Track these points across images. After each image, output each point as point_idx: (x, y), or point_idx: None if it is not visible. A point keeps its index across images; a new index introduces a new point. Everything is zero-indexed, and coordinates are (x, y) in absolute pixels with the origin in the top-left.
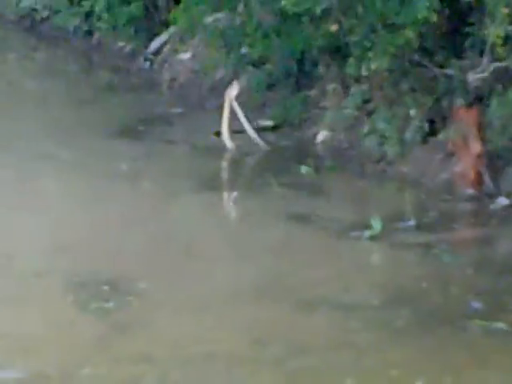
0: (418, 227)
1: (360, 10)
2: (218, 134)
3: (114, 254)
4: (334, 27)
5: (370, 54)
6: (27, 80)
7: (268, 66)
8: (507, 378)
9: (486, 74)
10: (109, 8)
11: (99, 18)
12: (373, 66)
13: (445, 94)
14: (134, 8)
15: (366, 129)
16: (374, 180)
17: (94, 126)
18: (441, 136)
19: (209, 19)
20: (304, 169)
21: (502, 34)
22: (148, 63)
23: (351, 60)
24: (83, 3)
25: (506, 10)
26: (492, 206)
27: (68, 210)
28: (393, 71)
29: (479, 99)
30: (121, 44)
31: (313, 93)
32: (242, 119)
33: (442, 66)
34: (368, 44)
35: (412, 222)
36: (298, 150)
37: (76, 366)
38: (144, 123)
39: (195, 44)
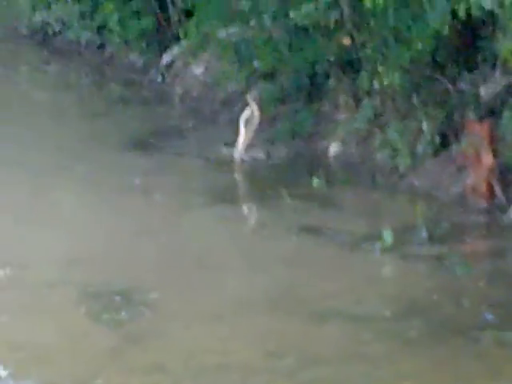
0: (430, 239)
1: (372, 23)
2: (228, 145)
3: (126, 265)
4: (345, 40)
5: (382, 69)
6: (40, 93)
7: (280, 79)
8: None
9: (497, 88)
10: (121, 22)
11: (111, 32)
12: (385, 82)
13: (457, 108)
14: (146, 22)
15: (377, 142)
16: (385, 192)
17: (106, 139)
18: (453, 149)
19: (221, 33)
20: (316, 181)
21: None
22: (160, 76)
23: (363, 74)
24: (95, 17)
25: None
26: (504, 219)
27: (81, 222)
28: (405, 85)
29: (491, 113)
30: (133, 57)
31: (325, 106)
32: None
33: (454, 80)
34: (380, 58)
35: (424, 234)
36: (310, 163)
37: (89, 377)
38: (156, 136)
39: (207, 57)
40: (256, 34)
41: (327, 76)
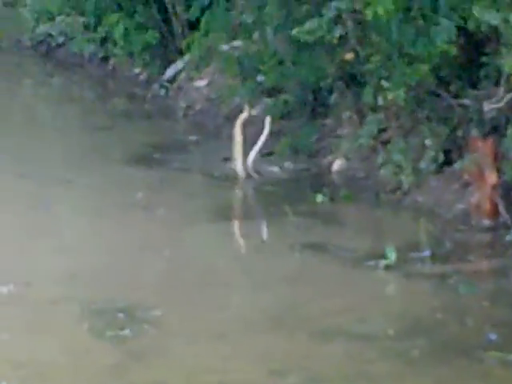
0: (434, 257)
1: (376, 38)
2: (227, 159)
3: (129, 281)
4: (349, 56)
5: (387, 85)
6: (43, 106)
7: (283, 95)
8: None
9: (501, 104)
10: (125, 35)
11: (115, 45)
12: (389, 97)
13: (460, 124)
14: (150, 35)
15: (381, 158)
16: (389, 209)
17: (109, 152)
18: (456, 166)
19: (225, 47)
20: (319, 198)
21: None
22: (163, 90)
23: (367, 89)
24: (99, 29)
25: None
26: (508, 237)
27: (84, 238)
28: (409, 101)
29: (495, 129)
30: (136, 71)
31: (328, 121)
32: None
33: (457, 96)
34: (384, 73)
35: (427, 252)
36: (314, 179)
37: None
38: (159, 151)
39: (211, 71)
40: (260, 49)
41: (331, 91)
